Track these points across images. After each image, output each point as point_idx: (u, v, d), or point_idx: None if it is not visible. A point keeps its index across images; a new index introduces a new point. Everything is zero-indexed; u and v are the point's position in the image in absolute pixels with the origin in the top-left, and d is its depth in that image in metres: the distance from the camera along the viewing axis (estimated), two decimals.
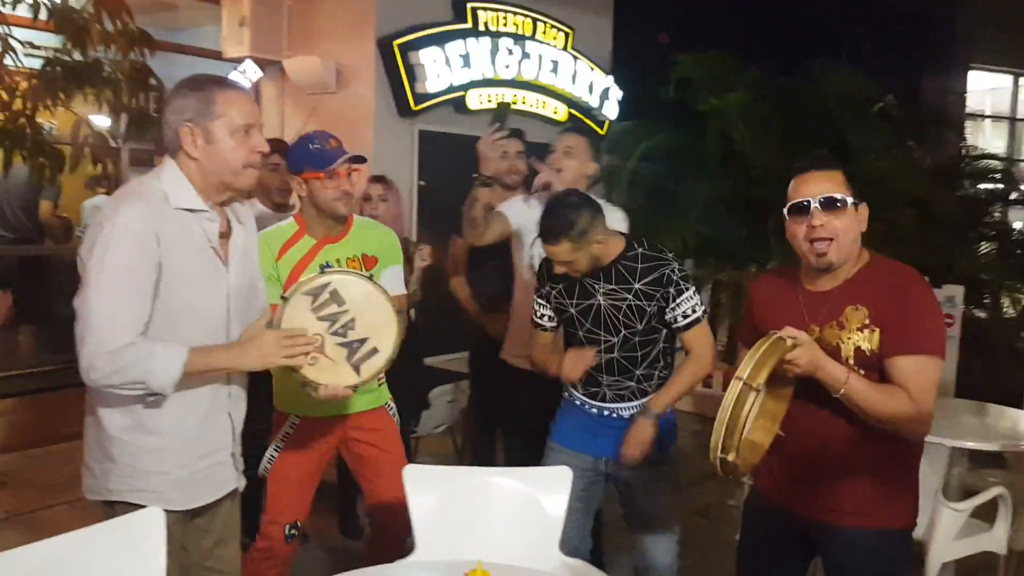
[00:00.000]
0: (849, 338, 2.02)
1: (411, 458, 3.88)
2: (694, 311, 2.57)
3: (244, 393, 2.19)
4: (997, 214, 7.19)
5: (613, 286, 2.56)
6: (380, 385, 2.78)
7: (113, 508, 2.00)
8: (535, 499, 2.38)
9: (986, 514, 3.18)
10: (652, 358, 2.63)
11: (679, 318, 2.57)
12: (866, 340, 2.01)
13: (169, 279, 1.92)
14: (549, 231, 2.50)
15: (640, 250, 2.59)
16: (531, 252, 3.23)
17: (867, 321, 2.01)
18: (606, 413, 2.67)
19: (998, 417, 3.62)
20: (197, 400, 2.03)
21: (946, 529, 3.00)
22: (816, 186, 2.05)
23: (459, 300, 3.96)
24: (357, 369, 2.14)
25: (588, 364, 2.57)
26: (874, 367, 2.01)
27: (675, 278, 2.54)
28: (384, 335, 2.16)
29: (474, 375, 4.18)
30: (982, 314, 6.59)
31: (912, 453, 2.13)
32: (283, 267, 2.60)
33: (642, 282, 2.55)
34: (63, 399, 5.26)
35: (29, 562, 1.73)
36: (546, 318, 2.74)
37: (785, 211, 2.10)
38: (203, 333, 2.00)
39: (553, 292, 2.68)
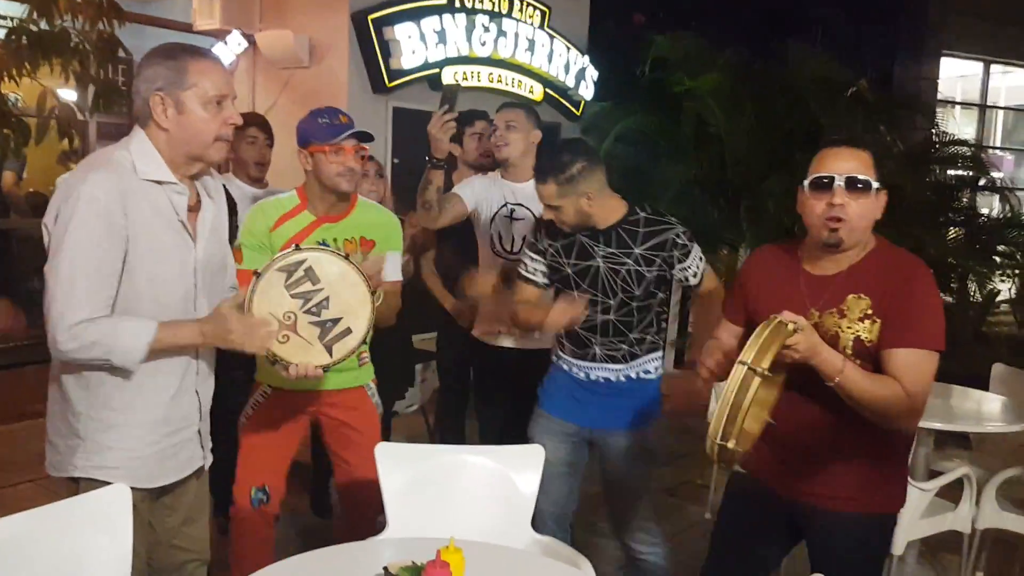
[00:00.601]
0: (850, 327, 1.98)
1: (388, 437, 3.88)
2: (697, 274, 2.66)
3: (212, 371, 2.17)
4: (965, 200, 7.28)
5: (613, 249, 2.56)
6: (362, 365, 2.76)
7: (77, 484, 1.97)
8: (507, 477, 2.38)
9: (951, 494, 3.23)
10: (647, 322, 2.65)
11: (690, 278, 2.65)
12: (866, 331, 1.97)
13: (135, 252, 1.88)
14: (540, 169, 2.58)
15: (643, 215, 2.59)
16: (491, 230, 3.24)
17: (869, 311, 1.97)
18: (593, 377, 2.66)
19: (963, 399, 3.67)
20: (166, 378, 2.00)
21: (913, 508, 3.04)
22: (844, 163, 1.97)
23: (434, 292, 3.93)
24: (329, 349, 2.11)
25: (577, 315, 2.51)
26: (870, 357, 1.97)
27: (679, 242, 2.57)
28: (358, 316, 2.12)
29: (442, 355, 4.16)
30: (949, 298, 6.68)
31: (904, 440, 2.11)
32: (277, 238, 2.56)
33: (643, 247, 2.55)
34: (26, 376, 5.19)
35: None
36: (539, 273, 2.70)
37: (805, 183, 2.02)
38: (169, 307, 1.97)
39: (550, 250, 2.66)
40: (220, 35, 5.93)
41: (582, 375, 2.69)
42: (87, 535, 1.82)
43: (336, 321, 2.10)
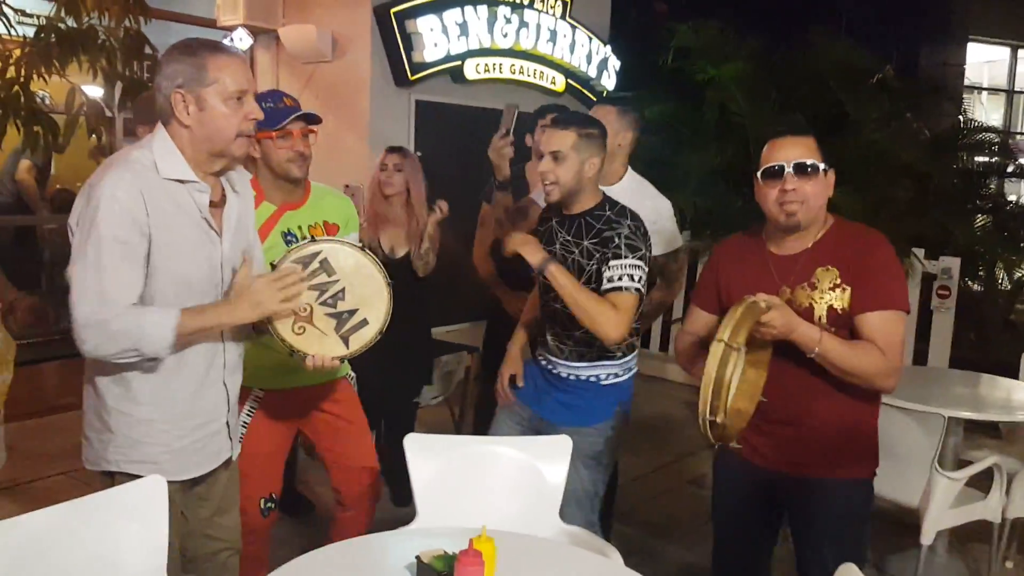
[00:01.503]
0: (822, 298, 2.11)
1: (411, 429, 3.89)
2: (621, 279, 2.47)
3: (240, 362, 2.18)
4: (993, 187, 7.20)
5: (570, 237, 2.59)
6: None
7: (112, 478, 2.00)
8: (535, 467, 2.39)
9: (980, 483, 3.21)
10: None
11: (604, 280, 2.49)
12: (838, 299, 2.10)
13: (158, 250, 1.89)
14: (562, 117, 2.62)
15: (608, 212, 2.56)
16: None
17: (838, 281, 2.11)
18: (548, 367, 2.72)
19: (992, 387, 3.64)
20: (192, 371, 2.01)
21: (941, 498, 3.03)
22: (790, 151, 2.12)
23: (480, 274, 3.90)
24: (346, 340, 2.12)
25: (527, 244, 2.55)
26: (845, 324, 2.10)
27: (617, 242, 2.48)
28: (375, 307, 2.13)
29: (488, 347, 4.14)
30: (977, 286, 6.62)
31: (872, 407, 2.23)
32: None
33: (590, 240, 2.54)
34: (59, 370, 5.27)
35: (31, 529, 1.73)
36: None
37: (758, 174, 2.16)
38: (200, 299, 1.98)
39: (537, 236, 2.69)
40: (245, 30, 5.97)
41: (545, 363, 2.75)
42: (124, 526, 1.85)
43: (352, 312, 2.11)
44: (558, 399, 2.70)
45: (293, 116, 2.49)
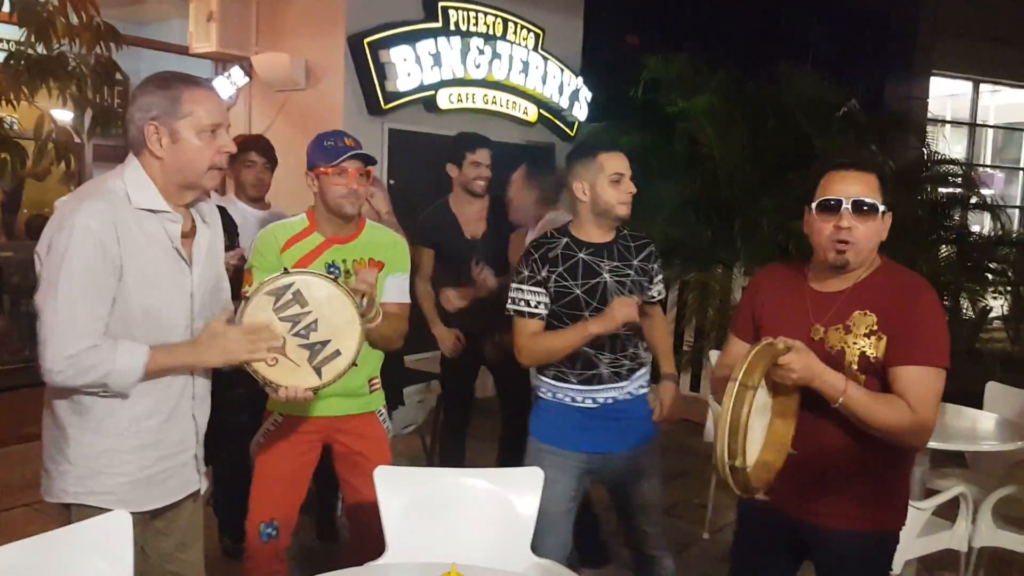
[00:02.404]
0: (855, 343, 2.00)
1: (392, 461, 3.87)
2: (662, 292, 2.81)
3: (208, 394, 2.17)
4: (957, 218, 7.32)
5: (617, 263, 2.65)
6: (373, 392, 2.77)
7: (69, 510, 1.97)
8: (506, 500, 2.39)
9: (947, 513, 3.24)
10: (640, 335, 2.74)
11: (656, 294, 2.75)
12: (872, 347, 1.98)
13: (129, 280, 1.89)
14: (612, 144, 2.85)
15: (625, 230, 2.73)
16: None
17: (875, 327, 1.99)
18: (600, 400, 2.67)
19: (957, 417, 3.69)
20: (159, 402, 2.00)
21: (909, 528, 3.03)
22: (852, 187, 2.00)
23: (424, 310, 3.95)
24: (319, 371, 2.11)
25: (635, 308, 2.57)
26: (877, 374, 1.99)
27: (655, 255, 2.73)
28: (347, 337, 2.12)
29: (445, 374, 4.17)
30: None
31: (906, 458, 2.13)
32: (287, 260, 2.57)
33: (638, 258, 2.69)
34: (21, 399, 5.17)
35: None
36: (542, 305, 2.64)
37: (813, 205, 2.04)
38: (164, 334, 1.97)
39: (553, 276, 2.62)
40: (216, 58, 5.97)
41: (588, 401, 2.67)
42: (87, 563, 1.82)
43: (325, 343, 2.10)
44: (617, 429, 2.68)
45: (348, 155, 2.58)
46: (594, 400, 2.67)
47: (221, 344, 1.95)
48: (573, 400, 2.69)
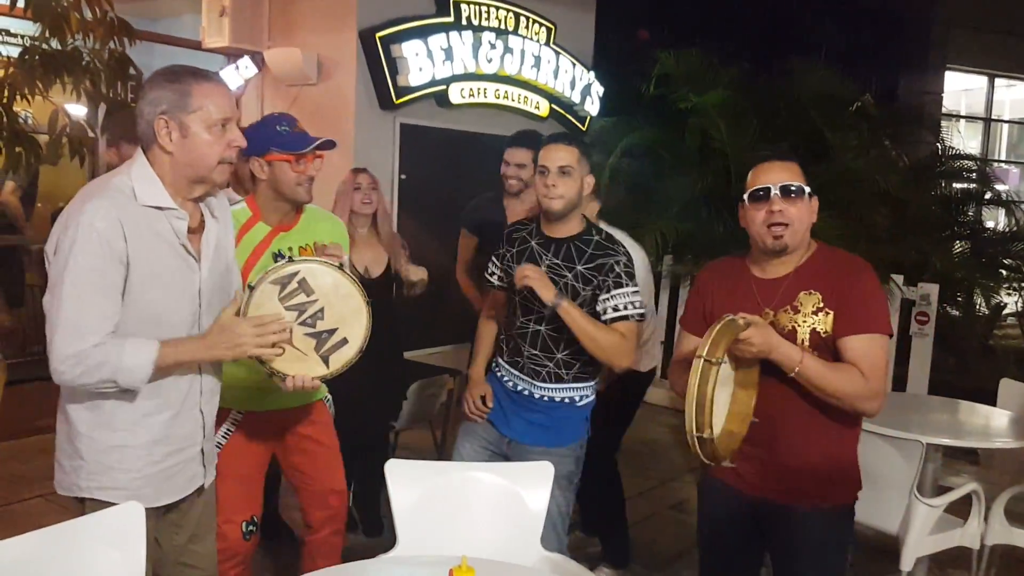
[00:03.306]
0: (805, 321, 2.13)
1: (393, 454, 3.88)
2: (627, 308, 2.56)
3: (218, 388, 2.17)
4: (971, 213, 7.29)
5: (559, 260, 2.61)
6: None
7: (83, 504, 1.98)
8: (516, 494, 2.39)
9: (960, 510, 3.23)
10: (577, 347, 2.60)
11: (609, 310, 2.56)
12: (821, 323, 2.12)
13: (136, 277, 1.88)
14: (561, 135, 2.69)
15: (596, 237, 2.64)
16: None
17: (821, 304, 2.13)
18: (519, 388, 2.70)
19: (971, 414, 3.67)
20: (168, 398, 2.00)
21: (921, 525, 3.04)
22: (776, 175, 2.16)
23: (463, 288, 3.95)
24: (326, 360, 2.10)
25: (540, 279, 2.52)
26: (828, 348, 2.12)
27: (618, 270, 2.57)
28: (354, 325, 2.11)
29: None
30: (955, 312, 6.68)
31: (854, 433, 2.25)
32: (240, 254, 2.48)
33: (585, 265, 2.59)
34: (38, 391, 5.19)
35: (7, 557, 1.71)
36: (496, 277, 2.80)
37: (745, 197, 2.19)
38: (171, 331, 1.97)
39: (506, 255, 2.73)
40: (229, 53, 5.99)
41: (510, 383, 2.73)
42: (102, 553, 1.83)
43: (332, 332, 2.09)
44: (530, 420, 2.69)
45: (315, 144, 2.48)
46: (514, 384, 2.72)
47: (230, 338, 1.95)
48: (501, 377, 2.76)
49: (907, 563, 3.08)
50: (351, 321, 2.11)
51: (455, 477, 2.44)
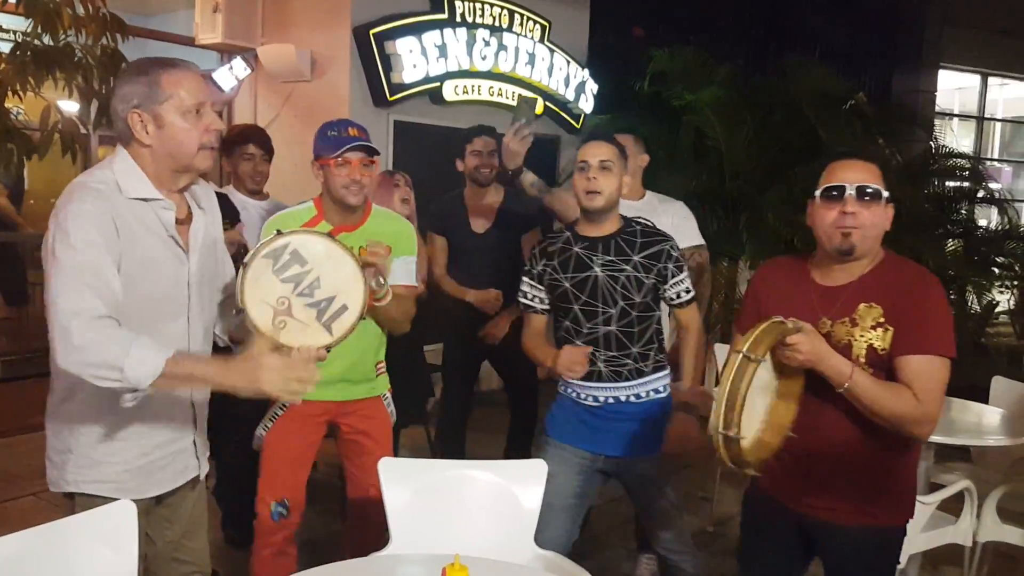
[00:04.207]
0: (862, 335, 2.00)
1: (396, 450, 3.87)
2: (689, 291, 2.68)
3: None
4: (964, 212, 7.30)
5: (612, 257, 2.60)
6: (379, 375, 2.82)
7: (72, 499, 1.97)
8: (510, 492, 2.39)
9: (952, 507, 3.24)
10: (648, 337, 2.65)
11: (682, 294, 2.66)
12: (879, 339, 1.99)
13: (126, 269, 1.87)
14: (600, 132, 2.77)
15: (639, 227, 2.66)
16: None
17: (881, 319, 1.99)
18: (601, 399, 2.65)
19: (963, 412, 3.68)
20: (158, 391, 1.97)
21: (914, 522, 3.02)
22: (855, 173, 2.02)
23: (450, 292, 3.95)
24: (329, 328, 2.08)
25: (583, 360, 2.55)
26: (884, 367, 1.99)
27: (674, 255, 2.63)
28: (352, 291, 2.09)
29: (447, 367, 4.17)
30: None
31: (910, 450, 2.12)
32: None
33: (641, 255, 2.60)
34: (26, 389, 5.20)
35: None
36: (537, 300, 2.74)
37: (817, 194, 2.06)
38: (162, 322, 1.96)
39: (548, 269, 2.68)
40: (222, 49, 5.97)
41: (590, 399, 2.66)
42: (92, 552, 1.83)
43: (331, 300, 2.07)
44: (624, 431, 2.64)
45: (349, 146, 2.58)
46: (595, 399, 2.66)
47: (254, 372, 1.80)
48: (577, 396, 2.69)
49: (900, 560, 3.08)
50: (348, 287, 2.09)
51: (449, 475, 2.43)
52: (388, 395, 2.87)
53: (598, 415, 2.66)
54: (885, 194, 2.02)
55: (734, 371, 1.77)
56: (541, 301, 2.74)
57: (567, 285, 2.64)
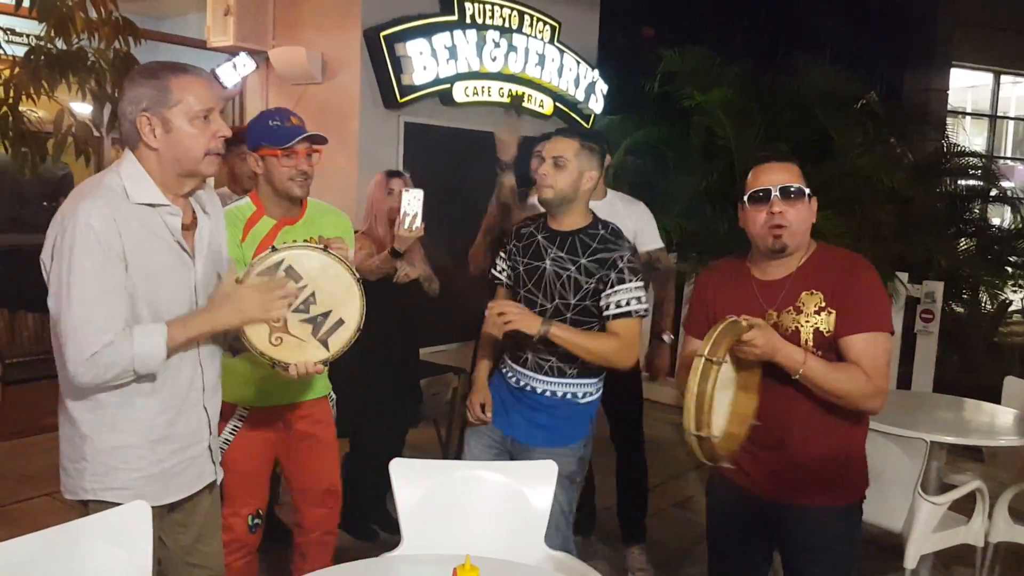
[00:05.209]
0: (808, 321, 2.14)
1: (404, 450, 3.88)
2: (629, 304, 2.56)
3: (219, 384, 2.17)
4: (976, 210, 7.27)
5: (563, 254, 2.62)
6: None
7: (87, 507, 1.97)
8: (520, 493, 2.39)
9: (964, 507, 3.23)
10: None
11: (611, 305, 2.57)
12: (824, 322, 2.12)
13: (133, 275, 1.88)
14: (567, 129, 2.71)
15: (602, 231, 2.65)
16: None
17: (823, 304, 2.13)
18: (522, 383, 2.69)
19: (975, 412, 3.67)
20: (172, 395, 2.00)
21: (925, 522, 3.04)
22: (775, 176, 2.16)
23: (476, 264, 3.88)
24: (325, 343, 2.10)
25: (513, 310, 2.54)
26: (831, 347, 2.12)
27: (621, 265, 2.57)
28: (347, 305, 2.10)
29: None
30: (960, 309, 6.67)
31: (861, 430, 2.25)
32: (247, 248, 2.53)
33: (588, 258, 2.59)
34: (40, 390, 5.24)
35: (13, 556, 1.72)
36: (504, 273, 2.80)
37: (745, 199, 2.19)
38: None
39: (514, 249, 2.74)
40: (234, 52, 5.99)
41: (513, 379, 2.73)
42: (106, 553, 1.84)
43: (326, 315, 2.08)
44: (532, 420, 2.69)
45: (301, 137, 2.51)
46: (517, 381, 2.71)
47: (235, 304, 1.95)
48: (506, 374, 2.76)
49: (911, 561, 3.08)
50: (344, 301, 2.10)
51: (459, 476, 2.44)
52: (333, 394, 2.84)
53: (515, 397, 2.72)
54: (806, 191, 2.16)
55: (699, 375, 1.87)
56: (507, 276, 2.79)
57: (521, 270, 2.71)
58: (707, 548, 2.50)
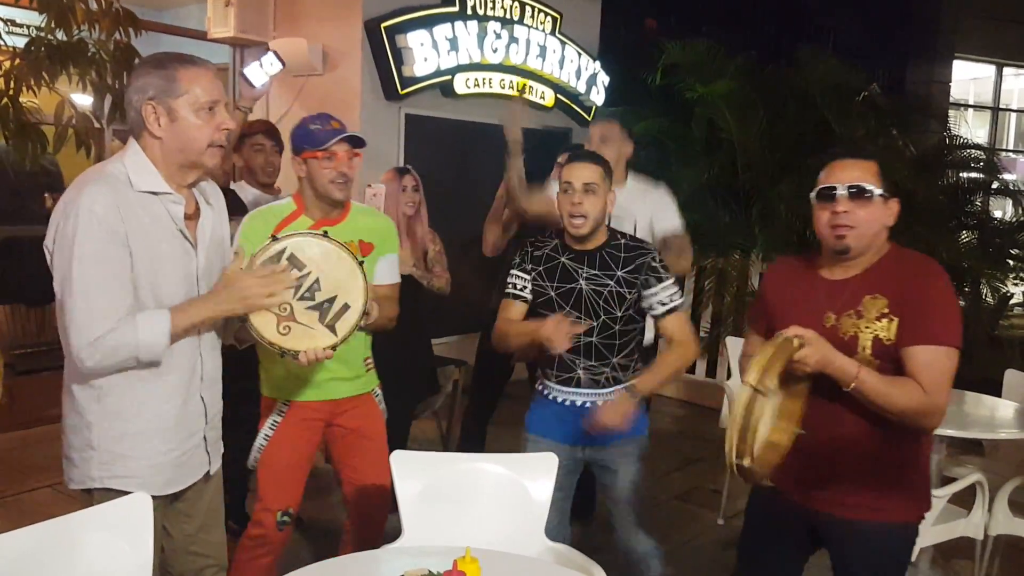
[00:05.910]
0: (868, 327, 2.01)
1: (406, 445, 3.89)
2: (671, 300, 2.61)
3: (218, 376, 2.18)
4: (978, 203, 7.25)
5: (596, 271, 2.60)
6: (368, 371, 2.78)
7: (91, 496, 1.99)
8: (521, 485, 2.40)
9: (964, 500, 3.24)
10: (629, 348, 2.66)
11: (656, 305, 2.61)
12: (884, 329, 2.00)
13: (136, 262, 1.90)
14: (584, 153, 2.68)
15: (624, 240, 2.66)
16: None
17: (886, 310, 2.00)
18: (579, 403, 2.66)
19: (976, 405, 3.67)
20: (173, 385, 2.02)
21: (926, 515, 3.04)
22: (848, 173, 2.04)
23: (490, 240, 3.96)
24: (333, 329, 2.11)
25: (570, 331, 2.47)
26: (891, 357, 2.00)
27: (654, 265, 2.60)
28: (352, 289, 2.12)
29: (481, 362, 4.15)
30: (961, 302, 6.65)
31: (922, 445, 2.12)
32: None
33: (624, 269, 2.59)
34: (44, 381, 5.25)
35: (15, 547, 1.72)
36: (526, 290, 2.69)
37: (813, 195, 2.10)
38: None
39: (534, 273, 2.69)
40: (234, 43, 5.98)
41: (567, 402, 2.68)
42: (109, 544, 1.84)
43: (332, 300, 2.10)
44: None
45: (338, 138, 2.55)
46: (572, 402, 2.68)
47: (238, 291, 1.97)
48: (555, 399, 2.70)
49: (912, 553, 3.08)
50: (348, 285, 2.12)
51: (460, 468, 2.45)
52: (379, 391, 2.84)
53: (575, 414, 2.66)
54: (879, 192, 2.02)
55: (744, 405, 1.78)
56: (530, 292, 2.70)
57: (552, 294, 2.64)
58: (738, 550, 2.44)
